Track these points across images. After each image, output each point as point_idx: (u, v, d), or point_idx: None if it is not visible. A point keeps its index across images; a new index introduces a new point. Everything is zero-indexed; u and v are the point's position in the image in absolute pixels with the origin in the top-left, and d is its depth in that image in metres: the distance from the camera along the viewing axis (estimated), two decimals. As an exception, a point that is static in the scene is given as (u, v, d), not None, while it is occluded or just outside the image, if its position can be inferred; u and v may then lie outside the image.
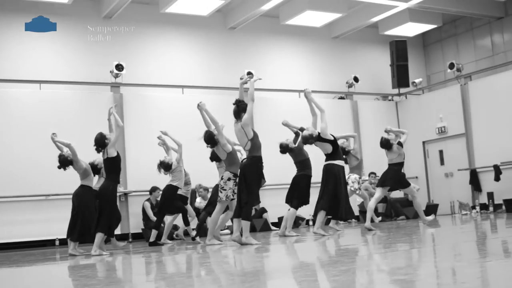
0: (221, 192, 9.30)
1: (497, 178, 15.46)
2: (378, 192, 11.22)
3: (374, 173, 15.68)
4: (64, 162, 10.01)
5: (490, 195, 15.80)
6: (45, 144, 11.70)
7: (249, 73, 15.08)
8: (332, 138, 10.08)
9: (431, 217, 12.15)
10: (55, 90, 14.29)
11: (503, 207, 15.26)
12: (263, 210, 14.83)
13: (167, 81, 15.58)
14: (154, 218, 12.79)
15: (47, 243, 13.38)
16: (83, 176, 10.15)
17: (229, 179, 9.28)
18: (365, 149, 17.16)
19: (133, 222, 14.17)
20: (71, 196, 10.24)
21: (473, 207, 15.76)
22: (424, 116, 17.78)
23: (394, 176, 11.10)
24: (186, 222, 11.74)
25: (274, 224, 14.85)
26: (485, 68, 17.41)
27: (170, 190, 11.24)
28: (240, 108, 8.92)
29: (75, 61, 14.93)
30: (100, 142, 9.51)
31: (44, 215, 13.36)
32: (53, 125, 12.79)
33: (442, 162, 17.48)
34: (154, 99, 15.11)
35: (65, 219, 10.35)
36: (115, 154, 9.48)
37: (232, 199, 9.25)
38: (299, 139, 10.56)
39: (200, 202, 14.13)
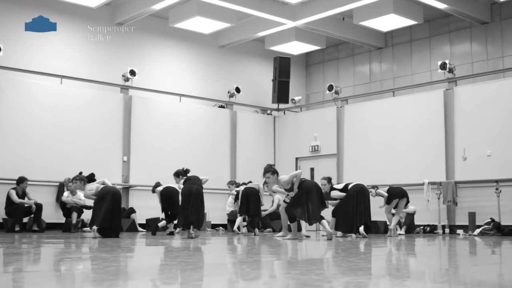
0: None
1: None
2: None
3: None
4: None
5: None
6: None
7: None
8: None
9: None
10: None
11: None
12: (132, 211, 14.63)
13: (46, 69, 15.01)
14: (18, 201, 12.95)
15: None
16: None
17: None
18: (239, 159, 17.46)
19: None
20: None
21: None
22: (300, 133, 18.24)
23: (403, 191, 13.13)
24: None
25: (141, 225, 14.70)
26: (362, 94, 18.16)
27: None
28: None
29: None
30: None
31: None
32: None
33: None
34: (30, 86, 14.46)
35: None
36: None
37: None
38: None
39: (67, 197, 13.58)
